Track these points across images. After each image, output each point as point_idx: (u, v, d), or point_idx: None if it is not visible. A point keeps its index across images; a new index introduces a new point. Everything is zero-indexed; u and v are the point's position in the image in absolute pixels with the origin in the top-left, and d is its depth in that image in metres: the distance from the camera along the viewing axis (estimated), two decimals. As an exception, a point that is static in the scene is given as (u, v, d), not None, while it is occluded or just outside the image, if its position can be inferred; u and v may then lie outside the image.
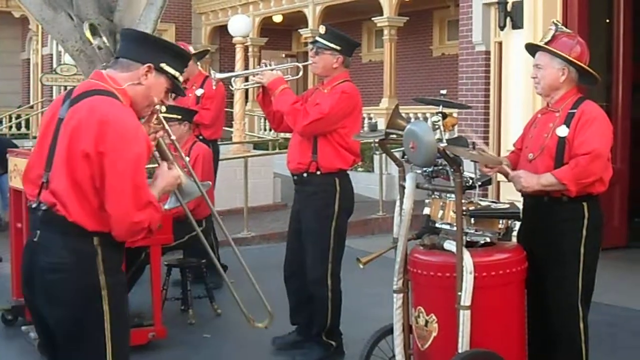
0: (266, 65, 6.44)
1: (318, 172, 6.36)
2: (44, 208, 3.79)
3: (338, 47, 6.39)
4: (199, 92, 9.12)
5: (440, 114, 5.09)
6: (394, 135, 5.24)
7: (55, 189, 3.76)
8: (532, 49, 5.42)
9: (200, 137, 8.70)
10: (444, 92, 5.26)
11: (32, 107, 27.69)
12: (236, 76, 6.75)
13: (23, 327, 7.05)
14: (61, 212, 3.74)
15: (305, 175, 6.42)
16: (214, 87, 8.31)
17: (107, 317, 3.80)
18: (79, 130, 3.73)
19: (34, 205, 3.85)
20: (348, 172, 6.58)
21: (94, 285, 3.77)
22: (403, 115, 5.43)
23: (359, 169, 16.93)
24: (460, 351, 4.81)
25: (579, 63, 5.23)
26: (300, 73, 6.77)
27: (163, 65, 4.02)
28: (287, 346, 6.79)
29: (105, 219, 3.75)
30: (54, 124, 3.87)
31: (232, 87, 6.66)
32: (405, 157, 5.14)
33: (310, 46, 6.57)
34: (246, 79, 6.91)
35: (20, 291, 7.60)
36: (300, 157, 6.40)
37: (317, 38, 6.47)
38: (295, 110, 6.19)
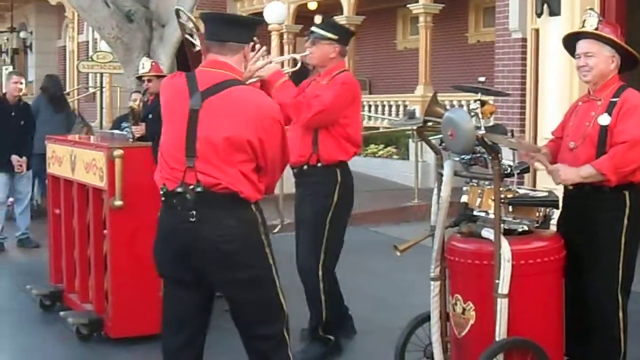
0: (263, 59, 6.37)
1: (319, 164, 6.26)
2: (199, 189, 4.30)
3: (335, 37, 6.34)
4: None
5: (478, 102, 5.07)
6: (432, 123, 5.23)
7: (215, 171, 4.31)
8: (578, 37, 5.29)
9: None
10: (482, 79, 5.24)
11: (68, 94, 27.82)
12: None
13: (61, 313, 7.08)
14: (228, 190, 4.30)
15: (305, 167, 6.31)
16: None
17: (273, 267, 4.53)
18: (239, 122, 4.32)
19: (179, 189, 4.33)
20: (349, 163, 6.44)
21: (262, 244, 4.49)
22: (440, 102, 5.41)
23: (394, 157, 16.91)
24: (497, 339, 4.79)
25: (630, 49, 5.19)
26: (298, 65, 6.64)
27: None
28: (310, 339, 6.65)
29: (259, 187, 4.46)
30: (185, 113, 4.35)
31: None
32: (443, 144, 5.13)
33: (306, 37, 6.54)
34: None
35: (58, 277, 7.73)
36: (300, 149, 6.26)
37: (314, 28, 6.40)
38: (298, 102, 6.11)
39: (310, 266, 6.28)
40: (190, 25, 5.41)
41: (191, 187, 4.31)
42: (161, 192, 4.44)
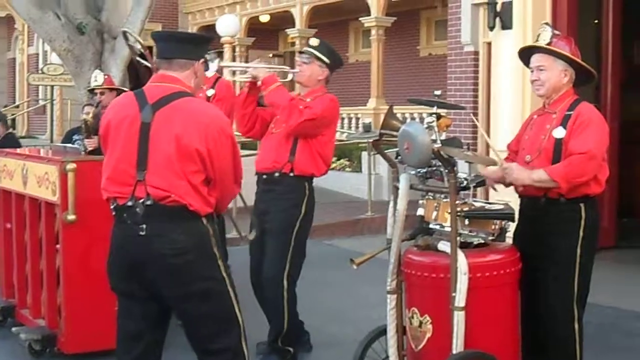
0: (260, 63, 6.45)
1: (291, 174, 6.30)
2: (148, 203, 4.30)
3: (328, 61, 6.43)
4: (210, 92, 8.99)
5: (434, 115, 5.09)
6: (388, 136, 5.23)
7: (164, 184, 4.31)
8: (532, 51, 5.35)
9: None
10: (438, 92, 5.26)
11: (17, 106, 27.63)
12: (237, 68, 6.75)
13: (14, 328, 6.99)
14: (177, 203, 4.31)
15: (276, 175, 6.32)
16: (215, 74, 8.25)
17: (227, 279, 4.53)
18: (187, 132, 4.32)
19: (129, 203, 4.34)
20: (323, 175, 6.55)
21: (214, 257, 4.49)
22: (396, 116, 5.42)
23: (347, 169, 16.94)
24: (454, 352, 4.80)
25: (583, 64, 5.24)
26: (289, 77, 6.73)
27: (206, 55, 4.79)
28: (269, 351, 6.63)
29: (209, 201, 4.45)
30: (136, 127, 4.36)
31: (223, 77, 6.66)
32: (399, 157, 5.13)
33: (298, 55, 6.61)
34: (238, 73, 6.83)
35: (9, 292, 7.62)
36: (276, 156, 6.32)
37: (309, 49, 6.46)
38: (293, 106, 6.16)
39: (276, 275, 6.28)
40: (138, 46, 5.37)
41: (141, 200, 4.32)
42: (112, 207, 4.45)
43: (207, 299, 4.45)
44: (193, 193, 4.36)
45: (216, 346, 4.53)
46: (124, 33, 5.83)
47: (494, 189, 5.45)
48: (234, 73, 6.76)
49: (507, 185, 5.27)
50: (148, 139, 4.35)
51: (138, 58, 5.47)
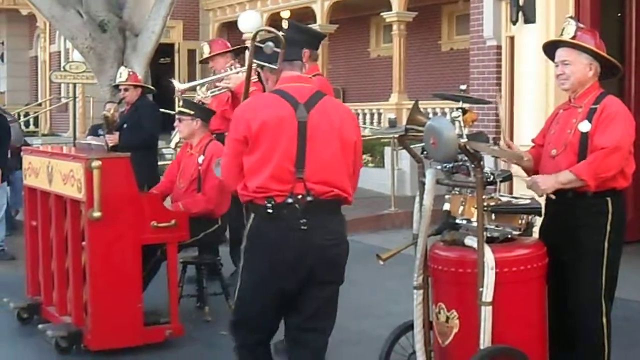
0: (231, 69, 6.19)
1: None
2: (309, 199, 4.57)
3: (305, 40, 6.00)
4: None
5: (460, 109, 5.08)
6: (414, 131, 5.23)
7: (327, 179, 4.62)
8: (557, 45, 5.33)
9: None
10: (463, 87, 5.25)
11: (40, 104, 27.73)
12: (199, 84, 6.32)
13: (40, 326, 7.04)
14: (337, 196, 4.67)
15: None
16: (177, 99, 8.05)
17: None
18: (345, 126, 4.73)
19: (289, 200, 4.57)
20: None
21: None
22: (422, 111, 5.41)
23: (370, 165, 16.91)
24: (482, 347, 4.80)
25: (608, 57, 5.22)
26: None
27: None
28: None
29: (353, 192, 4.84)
30: (294, 127, 4.60)
31: (199, 95, 6.31)
32: (425, 152, 5.12)
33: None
34: (213, 86, 6.48)
35: (35, 289, 7.67)
36: None
37: (281, 33, 6.25)
38: None
39: None
40: (271, 44, 5.13)
41: (300, 196, 4.57)
42: (268, 205, 4.59)
43: (339, 284, 4.86)
44: (349, 185, 4.75)
45: (323, 324, 4.82)
46: (255, 34, 5.45)
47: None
48: (206, 89, 6.41)
49: (540, 195, 5.24)
50: (306, 137, 4.60)
51: (260, 62, 5.18)
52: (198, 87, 6.17)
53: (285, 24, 6.28)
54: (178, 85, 6.78)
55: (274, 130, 4.59)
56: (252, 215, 4.73)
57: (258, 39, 5.22)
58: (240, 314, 4.83)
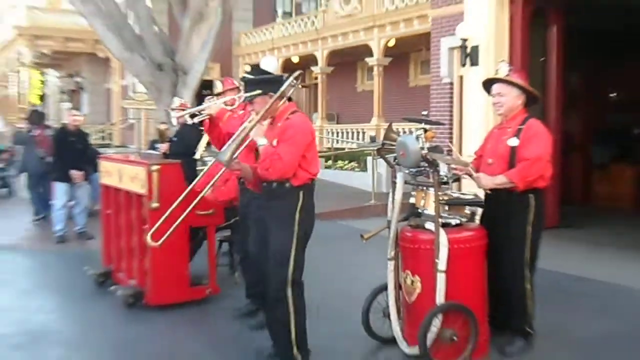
0: (211, 100, 6.09)
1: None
2: None
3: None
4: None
5: (422, 129, 5.10)
6: (388, 145, 5.24)
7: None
8: (493, 81, 5.36)
9: None
10: (425, 112, 5.29)
11: (113, 124, 27.71)
12: (189, 112, 5.97)
13: (112, 287, 7.05)
14: None
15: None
16: (174, 123, 7.71)
17: None
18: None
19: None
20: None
21: None
22: (394, 130, 5.43)
23: (356, 170, 16.91)
24: (438, 304, 4.83)
25: (532, 90, 5.24)
26: (237, 104, 5.61)
27: None
28: (243, 315, 6.25)
29: None
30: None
31: (188, 121, 6.06)
32: (397, 161, 5.14)
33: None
34: (197, 114, 6.10)
35: (109, 260, 7.67)
36: None
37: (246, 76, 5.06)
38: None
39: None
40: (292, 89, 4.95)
41: None
42: (314, 185, 4.91)
43: None
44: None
45: None
46: (296, 78, 4.70)
47: (467, 177, 5.39)
48: (193, 116, 5.94)
49: (479, 187, 5.23)
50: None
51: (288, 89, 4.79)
52: (187, 115, 5.93)
53: (247, 68, 6.02)
54: (172, 113, 6.82)
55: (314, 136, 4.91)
56: (302, 194, 4.74)
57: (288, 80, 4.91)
58: (300, 269, 4.77)
